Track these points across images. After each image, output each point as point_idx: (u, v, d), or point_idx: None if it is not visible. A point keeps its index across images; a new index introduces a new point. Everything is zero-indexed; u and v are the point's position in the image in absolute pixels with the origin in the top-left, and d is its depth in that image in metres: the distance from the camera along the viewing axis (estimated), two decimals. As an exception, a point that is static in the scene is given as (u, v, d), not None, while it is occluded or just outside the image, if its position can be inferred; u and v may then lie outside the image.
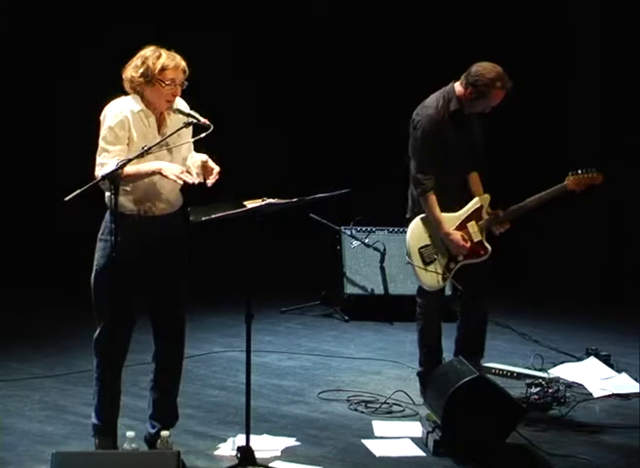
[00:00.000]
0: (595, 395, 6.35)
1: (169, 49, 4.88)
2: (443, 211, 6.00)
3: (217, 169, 4.87)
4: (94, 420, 5.03)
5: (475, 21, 9.56)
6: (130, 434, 4.74)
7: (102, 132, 4.85)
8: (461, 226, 6.06)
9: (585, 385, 6.45)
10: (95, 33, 9.12)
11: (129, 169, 4.73)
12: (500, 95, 5.88)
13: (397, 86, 9.72)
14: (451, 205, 6.04)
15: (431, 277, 6.05)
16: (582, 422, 5.88)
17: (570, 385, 6.41)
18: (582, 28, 9.65)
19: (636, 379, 6.57)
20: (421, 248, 6.06)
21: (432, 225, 6.03)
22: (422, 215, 6.06)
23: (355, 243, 8.45)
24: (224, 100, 8.69)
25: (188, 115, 4.85)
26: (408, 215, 6.16)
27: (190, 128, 4.91)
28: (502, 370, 6.70)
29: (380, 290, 8.36)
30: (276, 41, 9.89)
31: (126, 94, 4.93)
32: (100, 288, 4.87)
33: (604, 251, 9.48)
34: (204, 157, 4.94)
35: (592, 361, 6.82)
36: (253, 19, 9.89)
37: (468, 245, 6.01)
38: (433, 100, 6.02)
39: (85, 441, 5.18)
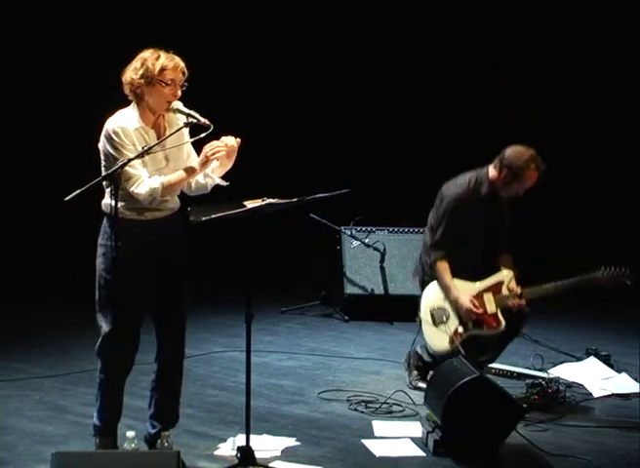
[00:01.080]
0: (595, 395, 6.35)
1: (167, 50, 4.88)
2: (461, 279, 6.07)
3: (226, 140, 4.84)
4: (95, 421, 5.02)
5: (474, 21, 9.56)
6: (130, 434, 4.74)
7: (117, 154, 4.76)
8: (478, 296, 6.10)
9: (585, 385, 6.45)
10: (95, 33, 9.12)
11: (170, 178, 4.77)
12: (535, 176, 5.96)
13: (397, 86, 9.73)
14: (468, 279, 6.10)
15: (437, 337, 6.10)
16: (582, 422, 5.89)
17: (570, 385, 6.42)
18: (582, 28, 9.65)
19: (636, 379, 6.58)
20: (434, 309, 6.12)
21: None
22: None
23: (355, 243, 8.45)
24: (224, 101, 8.68)
25: (188, 115, 4.84)
26: (426, 278, 6.18)
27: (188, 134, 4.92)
28: (502, 370, 6.69)
29: (379, 290, 8.36)
30: (276, 41, 9.89)
31: (126, 98, 4.91)
32: (106, 293, 4.84)
33: (605, 251, 9.46)
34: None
35: (592, 361, 6.82)
36: (253, 19, 9.89)
37: (479, 311, 6.03)
38: (464, 181, 6.07)
39: (85, 441, 5.18)
